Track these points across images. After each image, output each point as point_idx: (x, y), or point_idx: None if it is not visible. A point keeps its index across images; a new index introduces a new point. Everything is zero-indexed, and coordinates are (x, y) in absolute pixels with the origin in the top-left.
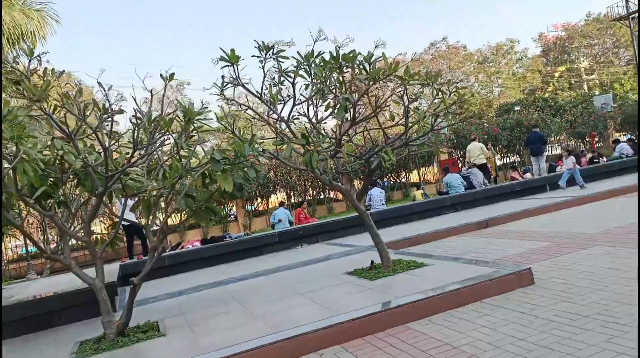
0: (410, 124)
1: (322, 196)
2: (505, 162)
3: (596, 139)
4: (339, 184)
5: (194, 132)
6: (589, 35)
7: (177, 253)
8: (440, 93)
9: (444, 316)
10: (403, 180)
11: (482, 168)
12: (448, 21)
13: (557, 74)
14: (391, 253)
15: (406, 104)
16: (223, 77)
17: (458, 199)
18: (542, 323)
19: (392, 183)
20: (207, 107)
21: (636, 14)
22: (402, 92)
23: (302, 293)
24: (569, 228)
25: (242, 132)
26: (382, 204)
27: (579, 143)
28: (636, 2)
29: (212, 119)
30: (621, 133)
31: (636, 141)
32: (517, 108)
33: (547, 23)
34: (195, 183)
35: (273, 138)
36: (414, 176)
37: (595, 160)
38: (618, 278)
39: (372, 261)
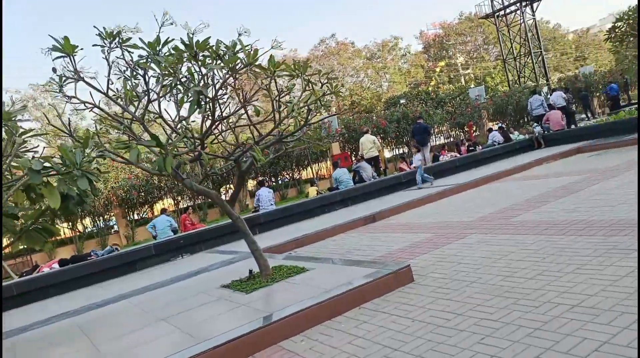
0: (280, 120)
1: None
2: (395, 154)
3: (473, 128)
4: (207, 189)
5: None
6: (462, 33)
7: (30, 278)
8: (310, 84)
9: (321, 328)
10: (298, 177)
11: (374, 160)
12: (338, 17)
13: (438, 69)
14: (274, 259)
15: (275, 97)
16: (55, 70)
17: (348, 194)
18: (418, 327)
19: (287, 180)
20: (25, 106)
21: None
22: (267, 85)
23: (166, 317)
24: (449, 217)
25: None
26: (272, 204)
27: (459, 132)
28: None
29: (29, 119)
30: (494, 122)
31: (506, 129)
32: (402, 101)
33: (427, 21)
34: (15, 199)
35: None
36: (308, 172)
37: (471, 148)
38: (490, 267)
39: (250, 271)
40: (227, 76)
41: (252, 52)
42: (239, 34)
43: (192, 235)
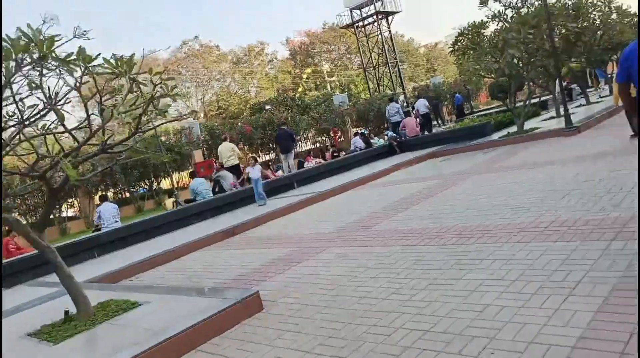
0: (99, 127)
1: (53, 216)
2: (261, 161)
3: (338, 134)
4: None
5: None
6: (327, 41)
7: None
8: (138, 85)
9: None
10: (156, 187)
11: (235, 169)
12: (201, 21)
13: (304, 76)
14: (105, 291)
15: (88, 99)
16: None
17: (206, 206)
18: None
19: (144, 191)
20: None
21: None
22: (78, 84)
23: None
24: (310, 229)
25: None
26: (116, 221)
27: (324, 138)
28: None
29: None
30: (358, 128)
31: (367, 135)
32: (268, 107)
33: (293, 29)
34: None
35: None
36: (168, 182)
37: (335, 154)
38: (345, 287)
39: (66, 312)
40: (13, 70)
41: (46, 41)
42: (44, 21)
43: (12, 263)
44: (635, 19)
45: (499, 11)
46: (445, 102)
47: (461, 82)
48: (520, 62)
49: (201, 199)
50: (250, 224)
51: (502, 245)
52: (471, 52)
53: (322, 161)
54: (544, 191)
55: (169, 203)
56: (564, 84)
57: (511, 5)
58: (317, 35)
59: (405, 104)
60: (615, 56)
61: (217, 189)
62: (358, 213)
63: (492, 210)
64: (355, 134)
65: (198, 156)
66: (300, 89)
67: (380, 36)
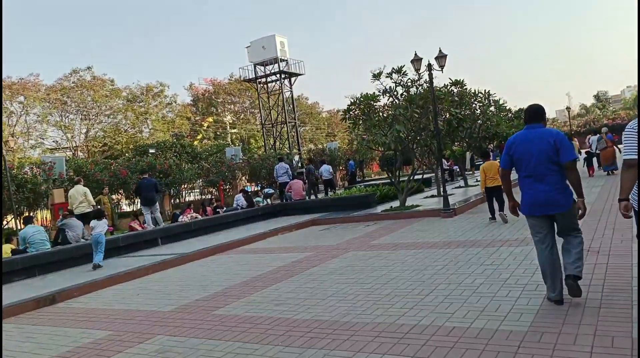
0: None
1: None
2: (132, 209)
3: (223, 188)
4: None
5: None
6: (231, 93)
7: None
8: None
9: None
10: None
11: (85, 217)
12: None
13: (205, 124)
14: None
15: None
16: None
17: (38, 260)
18: None
19: None
20: None
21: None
22: None
23: None
24: (145, 305)
25: None
26: None
27: (212, 191)
28: None
29: None
30: (250, 184)
31: (249, 193)
32: (152, 151)
33: (198, 75)
34: None
35: None
36: (13, 224)
37: (218, 210)
38: None
39: None
40: None
41: None
42: None
43: None
44: (510, 114)
45: (390, 87)
46: (340, 167)
47: (350, 151)
48: (406, 139)
49: (34, 250)
50: (78, 290)
51: (354, 355)
52: (361, 122)
53: (199, 217)
54: (413, 281)
55: (7, 248)
56: (447, 164)
57: (402, 83)
58: (222, 86)
59: (299, 165)
60: (491, 145)
61: (59, 240)
62: (212, 288)
63: (356, 300)
64: (240, 191)
65: (59, 196)
66: (199, 137)
67: (281, 95)
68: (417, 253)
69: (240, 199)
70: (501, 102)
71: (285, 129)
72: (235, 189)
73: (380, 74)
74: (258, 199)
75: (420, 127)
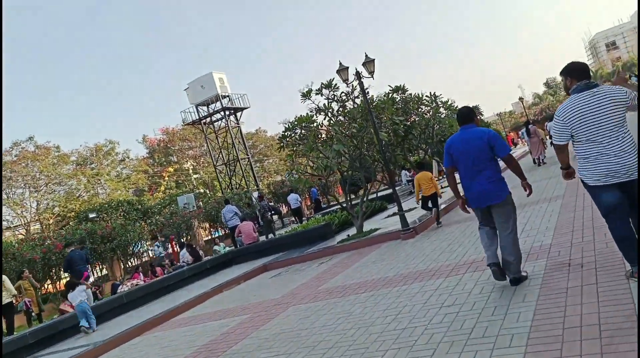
0: None
1: None
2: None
3: (174, 242)
4: None
5: None
6: (187, 139)
7: None
8: None
9: None
10: None
11: (8, 308)
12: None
13: (166, 175)
14: None
15: None
16: None
17: None
18: None
19: None
20: None
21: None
22: None
23: None
24: None
25: None
26: None
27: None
28: None
29: None
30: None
31: (194, 247)
32: (92, 215)
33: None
34: None
35: None
36: None
37: (170, 269)
38: None
39: None
40: None
41: None
42: None
43: None
44: None
45: (324, 104)
46: (305, 197)
47: (289, 180)
48: (351, 157)
49: None
50: None
51: None
52: (301, 148)
53: (141, 283)
54: (357, 348)
55: None
56: (409, 175)
57: (335, 98)
58: (176, 133)
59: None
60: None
61: None
62: None
63: None
64: (182, 246)
65: None
66: (161, 188)
67: (229, 133)
68: (368, 299)
69: (185, 255)
70: (449, 103)
71: (239, 166)
72: (194, 239)
73: (310, 92)
74: (217, 248)
75: (365, 142)
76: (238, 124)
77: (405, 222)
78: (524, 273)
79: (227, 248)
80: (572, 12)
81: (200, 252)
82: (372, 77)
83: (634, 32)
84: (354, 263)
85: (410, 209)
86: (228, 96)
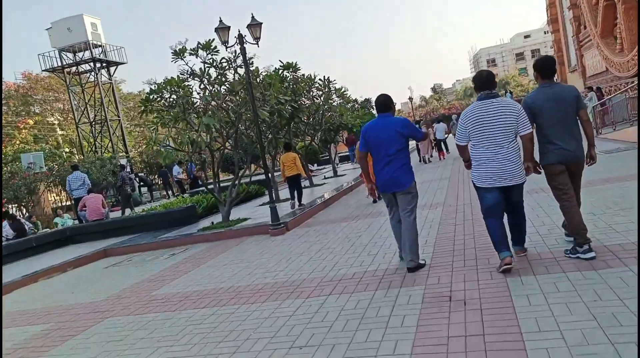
0: None
1: None
2: None
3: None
4: None
5: None
6: (54, 89)
7: None
8: None
9: None
10: None
11: None
12: None
13: (23, 126)
14: None
15: None
16: None
17: None
18: None
19: None
20: None
21: None
22: None
23: None
24: None
25: None
26: None
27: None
28: None
29: None
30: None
31: (18, 219)
32: None
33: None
34: None
35: None
36: None
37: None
38: None
39: None
40: None
41: None
42: None
43: None
44: (357, 105)
45: (200, 69)
46: (181, 170)
47: (149, 154)
48: (227, 134)
49: None
50: None
51: None
52: (172, 116)
53: None
54: None
55: None
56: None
57: (214, 64)
58: (41, 80)
59: (128, 170)
60: (338, 137)
61: None
62: None
63: None
64: (6, 216)
65: None
66: (17, 142)
67: (100, 87)
68: (206, 319)
69: (6, 228)
70: (343, 90)
71: (107, 128)
72: (38, 204)
73: (183, 50)
74: (58, 220)
75: (244, 119)
76: (111, 80)
77: (276, 216)
78: (421, 261)
79: (71, 222)
80: (459, 25)
81: (29, 225)
82: (258, 44)
83: (511, 53)
84: (208, 260)
85: (288, 199)
86: (101, 45)
